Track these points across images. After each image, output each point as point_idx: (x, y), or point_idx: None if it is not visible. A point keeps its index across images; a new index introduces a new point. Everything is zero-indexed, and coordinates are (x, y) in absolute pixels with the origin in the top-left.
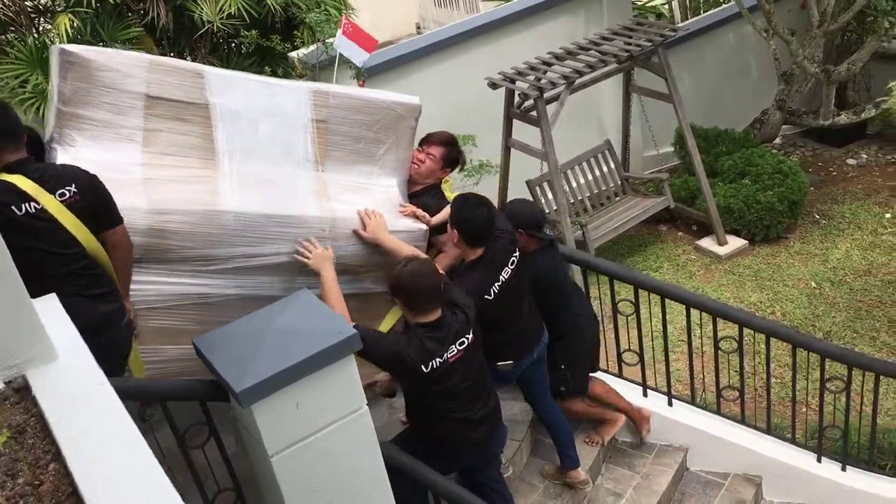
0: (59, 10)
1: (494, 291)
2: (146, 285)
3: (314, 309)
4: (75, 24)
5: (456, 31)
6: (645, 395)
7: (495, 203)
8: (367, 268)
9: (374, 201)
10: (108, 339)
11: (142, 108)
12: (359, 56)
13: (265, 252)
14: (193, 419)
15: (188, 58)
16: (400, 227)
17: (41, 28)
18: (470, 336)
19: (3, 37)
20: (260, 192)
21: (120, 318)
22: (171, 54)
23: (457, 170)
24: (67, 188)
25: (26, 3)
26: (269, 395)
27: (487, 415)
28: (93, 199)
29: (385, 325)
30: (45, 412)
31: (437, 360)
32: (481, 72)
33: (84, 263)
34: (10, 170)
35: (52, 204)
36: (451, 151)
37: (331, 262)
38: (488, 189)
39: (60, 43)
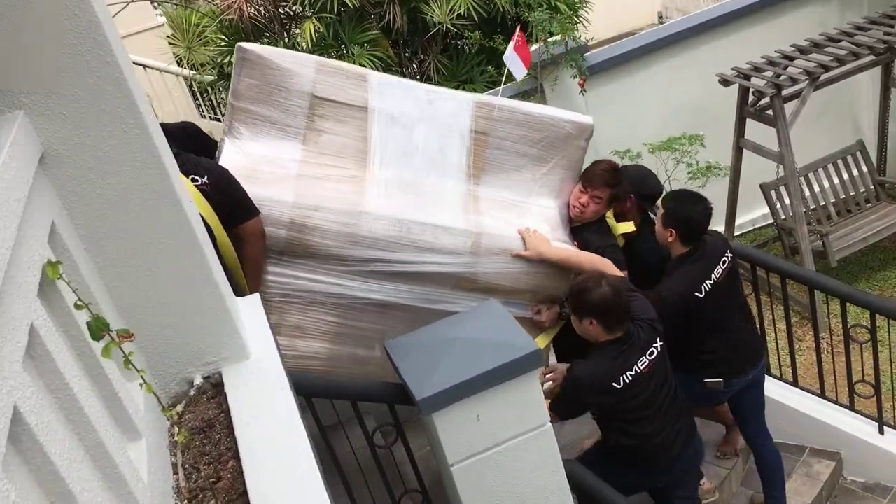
0: (306, 15)
1: (706, 289)
2: (284, 278)
3: (502, 320)
4: (320, 29)
5: (688, 25)
6: (881, 431)
7: (724, 208)
8: (510, 290)
9: (531, 222)
10: None
11: (306, 107)
12: (520, 70)
13: (403, 259)
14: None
15: (421, 57)
16: None
17: (291, 33)
18: (658, 344)
19: (258, 41)
20: (405, 197)
21: None
22: (406, 54)
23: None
24: (200, 177)
25: (279, 10)
26: (450, 406)
27: (681, 428)
28: (226, 192)
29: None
30: (231, 409)
31: (629, 373)
32: (715, 67)
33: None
34: None
35: (189, 186)
36: (617, 190)
37: (547, 241)
38: (716, 191)
39: (307, 46)
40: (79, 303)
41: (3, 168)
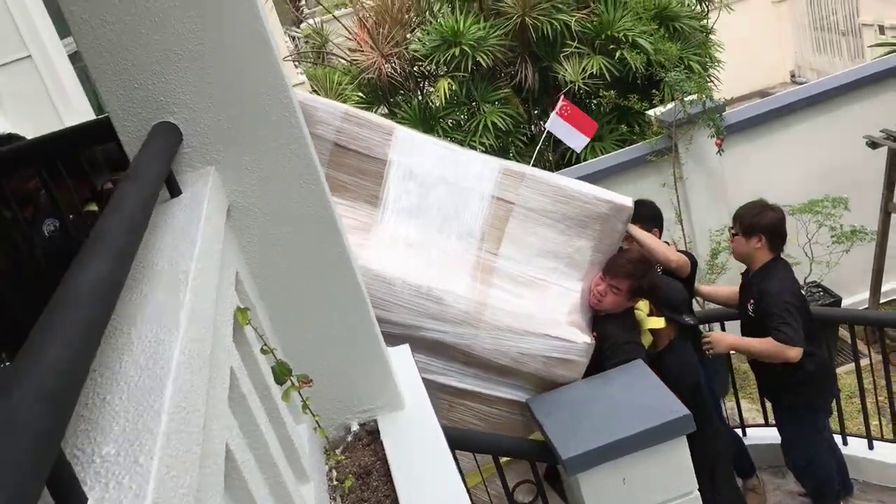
0: (440, 74)
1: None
2: None
3: (647, 383)
4: (453, 87)
5: (833, 85)
6: None
7: (868, 274)
8: (510, 371)
9: (549, 300)
10: None
11: (327, 154)
12: (576, 140)
13: (396, 320)
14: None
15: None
16: (559, 333)
17: (425, 90)
18: None
19: (393, 98)
20: (409, 255)
21: None
22: (535, 111)
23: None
24: None
25: (414, 69)
26: (595, 466)
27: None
28: None
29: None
30: (388, 457)
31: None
32: (857, 128)
33: None
34: None
35: None
36: (640, 283)
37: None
38: (861, 257)
39: (440, 103)
40: (264, 348)
41: (206, 221)
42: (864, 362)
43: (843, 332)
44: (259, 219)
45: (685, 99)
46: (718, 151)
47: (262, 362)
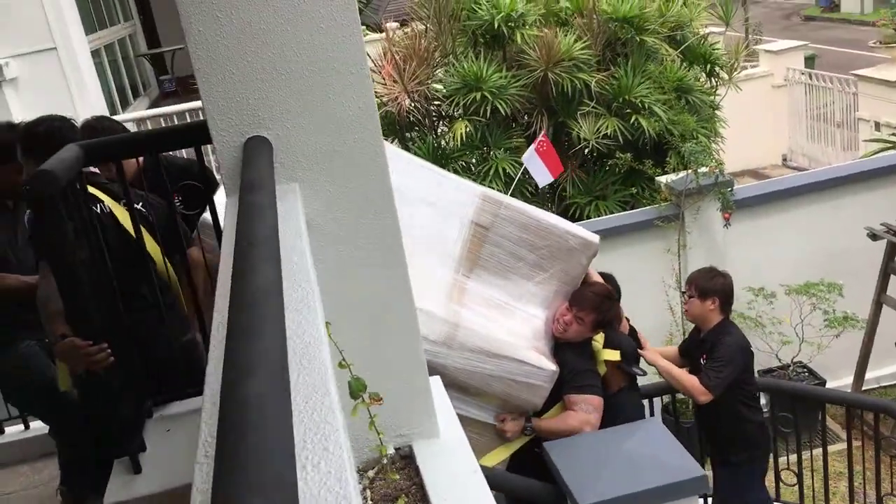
0: (457, 116)
1: None
2: None
3: (665, 441)
4: (469, 130)
5: (840, 174)
6: None
7: (854, 361)
8: (477, 392)
9: (516, 325)
10: None
11: None
12: (543, 177)
13: None
14: None
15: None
16: (528, 358)
17: (439, 130)
18: None
19: (409, 134)
20: None
21: None
22: None
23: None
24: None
25: (431, 107)
26: None
27: None
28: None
29: (491, 460)
30: (426, 482)
31: None
32: (863, 218)
33: None
34: None
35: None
36: (604, 316)
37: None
38: (849, 343)
39: (454, 144)
40: (342, 362)
41: (303, 235)
42: (841, 446)
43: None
44: (331, 240)
45: (700, 170)
46: (725, 224)
47: (339, 377)
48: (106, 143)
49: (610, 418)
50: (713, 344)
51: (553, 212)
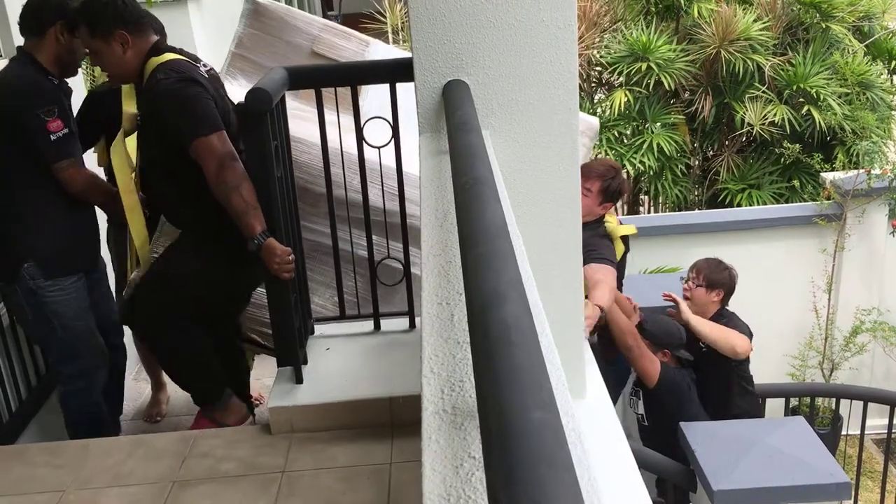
0: (617, 85)
1: None
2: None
3: (808, 440)
4: (627, 100)
5: None
6: None
7: None
8: None
9: None
10: None
11: (305, 60)
12: None
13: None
14: None
15: (715, 150)
16: None
17: (596, 97)
18: None
19: None
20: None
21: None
22: (706, 144)
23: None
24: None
25: (591, 73)
26: None
27: None
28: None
29: None
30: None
31: None
32: None
33: None
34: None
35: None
36: (610, 184)
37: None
38: None
39: (611, 114)
40: None
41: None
42: None
43: None
44: (512, 192)
45: (873, 172)
46: (892, 232)
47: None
48: (309, 69)
49: (668, 391)
50: None
51: (703, 195)
